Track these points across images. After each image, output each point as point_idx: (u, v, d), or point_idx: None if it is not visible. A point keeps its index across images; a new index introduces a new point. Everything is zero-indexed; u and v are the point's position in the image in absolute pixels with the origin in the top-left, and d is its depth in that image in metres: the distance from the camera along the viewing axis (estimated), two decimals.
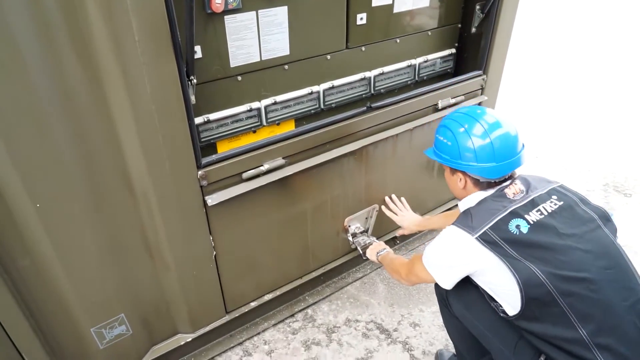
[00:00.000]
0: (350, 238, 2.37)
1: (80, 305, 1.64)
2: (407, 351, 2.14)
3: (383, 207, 2.36)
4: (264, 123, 1.89)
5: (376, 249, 2.14)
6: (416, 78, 2.33)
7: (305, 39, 1.84)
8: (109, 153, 1.45)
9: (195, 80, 1.51)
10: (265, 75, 1.81)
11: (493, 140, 1.46)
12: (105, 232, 1.57)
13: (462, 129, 1.51)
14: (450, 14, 2.32)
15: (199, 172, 1.63)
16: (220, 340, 2.15)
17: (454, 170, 1.58)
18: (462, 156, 1.51)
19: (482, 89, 2.46)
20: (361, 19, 1.97)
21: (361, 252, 2.30)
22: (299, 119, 2.01)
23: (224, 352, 2.14)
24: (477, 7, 2.27)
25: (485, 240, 1.37)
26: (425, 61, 2.33)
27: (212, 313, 2.04)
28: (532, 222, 1.38)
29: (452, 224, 1.48)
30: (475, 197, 1.54)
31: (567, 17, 8.15)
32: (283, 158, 1.84)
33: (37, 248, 1.45)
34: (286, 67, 1.85)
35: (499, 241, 1.36)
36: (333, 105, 2.07)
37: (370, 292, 2.46)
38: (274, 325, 2.27)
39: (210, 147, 1.81)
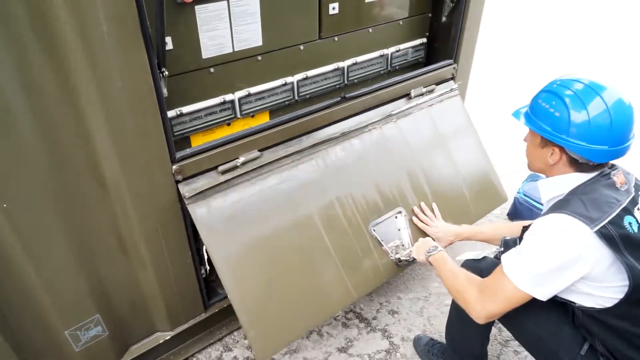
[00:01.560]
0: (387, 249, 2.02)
1: (53, 307, 1.59)
2: (387, 338, 2.17)
3: (414, 219, 2.08)
4: (238, 115, 1.86)
5: (425, 246, 1.80)
6: (389, 68, 2.35)
7: (278, 30, 1.82)
8: (79, 148, 1.39)
9: (167, 73, 1.47)
10: (238, 66, 1.78)
11: (614, 121, 1.25)
12: (77, 231, 1.52)
13: (578, 101, 1.28)
14: (421, 4, 2.34)
15: (174, 167, 1.59)
16: (199, 337, 2.12)
17: (546, 142, 1.36)
18: (569, 131, 1.29)
19: (454, 77, 2.50)
20: (333, 8, 1.96)
21: (399, 257, 1.99)
22: (274, 111, 2.00)
23: (203, 348, 2.12)
24: None
25: (603, 235, 1.19)
26: (397, 51, 2.34)
27: (191, 310, 2.01)
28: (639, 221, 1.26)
29: (560, 212, 1.25)
30: (570, 179, 1.35)
31: (536, 4, 8.35)
32: (259, 150, 1.82)
33: (5, 249, 1.39)
34: (259, 58, 1.82)
35: (616, 238, 1.20)
36: (307, 96, 2.06)
37: None
38: None
39: (184, 141, 1.77)
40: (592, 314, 1.35)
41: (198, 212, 1.66)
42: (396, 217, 2.08)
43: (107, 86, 1.32)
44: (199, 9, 1.56)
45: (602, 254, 1.22)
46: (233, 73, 1.78)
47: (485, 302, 1.35)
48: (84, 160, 1.42)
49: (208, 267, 1.98)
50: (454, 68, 2.46)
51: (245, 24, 1.71)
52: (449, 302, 2.32)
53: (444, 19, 2.37)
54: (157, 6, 1.29)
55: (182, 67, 1.63)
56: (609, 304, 1.29)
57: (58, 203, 1.43)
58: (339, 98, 2.04)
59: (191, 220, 1.76)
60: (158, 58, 1.41)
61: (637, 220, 1.26)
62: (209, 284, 2.11)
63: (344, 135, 2.05)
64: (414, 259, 1.92)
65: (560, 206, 1.29)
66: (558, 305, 1.45)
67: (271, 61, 1.87)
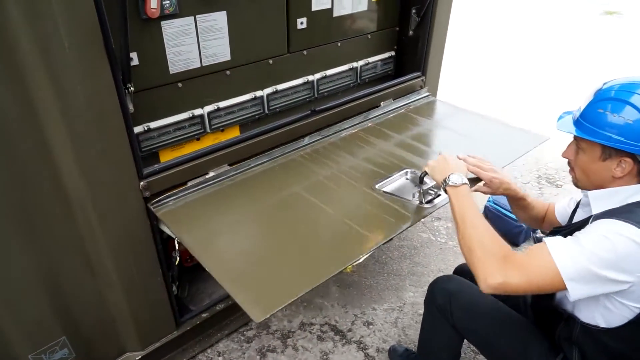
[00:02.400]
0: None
1: (15, 329, 1.53)
2: (362, 350, 2.17)
3: (468, 167, 1.57)
4: (208, 130, 1.85)
5: (446, 168, 1.49)
6: (358, 80, 2.38)
7: (247, 44, 1.83)
8: (40, 166, 1.36)
9: (132, 88, 1.46)
10: (206, 81, 1.77)
11: None
12: (40, 250, 1.47)
13: None
14: (388, 18, 2.38)
15: (141, 183, 1.57)
16: (171, 356, 2.07)
17: (610, 153, 1.23)
18: None
19: (422, 88, 2.55)
20: (301, 23, 1.98)
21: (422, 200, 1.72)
22: (244, 125, 1.99)
23: None
24: (413, 10, 2.35)
25: None
26: (367, 64, 2.38)
27: (162, 328, 1.97)
28: None
29: (612, 218, 1.17)
30: (634, 190, 1.23)
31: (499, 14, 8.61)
32: (229, 165, 1.81)
33: None
34: (228, 72, 1.82)
35: None
36: (277, 109, 2.06)
37: (323, 294, 2.47)
38: (228, 335, 2.23)
39: (152, 157, 1.75)
40: (593, 333, 1.28)
41: (164, 212, 1.63)
42: (407, 178, 1.91)
43: (68, 102, 1.30)
44: (165, 24, 1.56)
45: None
46: (202, 88, 1.77)
47: (508, 270, 1.19)
48: (46, 177, 1.39)
49: (179, 283, 1.95)
50: (422, 80, 2.51)
51: (213, 38, 1.71)
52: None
53: (411, 32, 2.42)
54: (121, 21, 1.27)
55: (149, 83, 1.62)
56: (616, 323, 1.23)
57: (19, 222, 1.39)
58: (309, 111, 2.06)
59: (161, 236, 1.74)
60: (123, 74, 1.40)
61: None
62: (181, 301, 2.07)
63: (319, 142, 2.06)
64: (439, 194, 1.69)
65: (626, 215, 1.16)
66: (528, 323, 1.48)
67: (240, 75, 1.87)
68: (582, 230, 1.21)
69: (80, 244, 1.56)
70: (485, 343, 1.54)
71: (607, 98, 1.24)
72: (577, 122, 1.30)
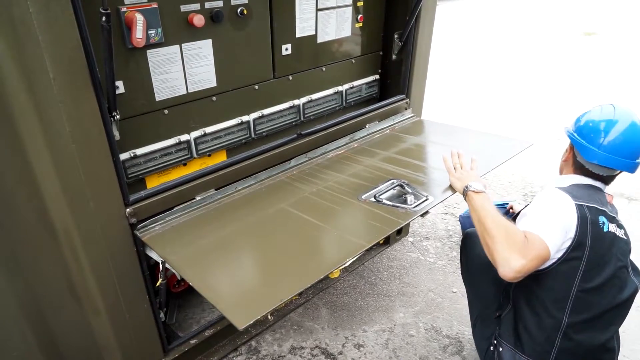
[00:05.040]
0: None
1: None
2: None
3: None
4: (195, 155, 1.87)
5: (468, 178, 1.75)
6: (344, 104, 2.42)
7: (232, 71, 1.86)
8: (25, 196, 1.36)
9: (118, 116, 1.47)
10: (193, 107, 1.80)
11: (611, 131, 1.57)
12: (23, 279, 1.46)
13: (596, 111, 1.67)
14: (372, 43, 2.44)
15: (127, 210, 1.57)
16: None
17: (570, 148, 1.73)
18: (576, 127, 1.68)
19: (407, 110, 2.59)
20: (286, 49, 2.03)
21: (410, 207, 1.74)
22: (231, 149, 2.01)
23: None
24: (396, 35, 2.41)
25: (580, 211, 1.51)
26: (351, 87, 2.42)
27: (150, 355, 1.94)
28: (609, 229, 1.56)
29: (554, 186, 1.62)
30: (570, 179, 1.68)
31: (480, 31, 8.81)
32: (216, 189, 1.82)
33: None
34: (214, 98, 1.85)
35: (588, 220, 1.51)
36: (264, 134, 2.09)
37: (313, 317, 2.46)
38: None
39: (139, 183, 1.75)
40: (529, 281, 1.58)
41: (150, 237, 1.62)
42: (395, 188, 1.92)
43: (54, 131, 1.31)
44: (150, 53, 1.59)
45: (572, 227, 1.50)
46: (188, 114, 1.79)
47: (527, 257, 1.43)
48: (31, 206, 1.39)
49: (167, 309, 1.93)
50: (407, 102, 2.56)
51: (199, 66, 1.74)
52: (414, 332, 2.35)
53: (394, 56, 2.48)
54: (106, 52, 1.30)
55: (135, 110, 1.63)
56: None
57: (1, 251, 1.38)
58: (296, 135, 2.08)
59: (148, 263, 1.73)
60: (109, 102, 1.42)
61: (608, 225, 1.56)
62: (169, 328, 2.05)
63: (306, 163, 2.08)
64: (426, 198, 1.79)
65: (554, 186, 1.63)
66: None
67: (226, 101, 1.90)
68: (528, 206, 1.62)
69: (65, 272, 1.55)
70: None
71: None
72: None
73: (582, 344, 1.58)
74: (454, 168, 1.87)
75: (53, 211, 1.43)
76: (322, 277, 1.38)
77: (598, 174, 1.64)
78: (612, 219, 1.60)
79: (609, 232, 1.56)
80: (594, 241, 1.52)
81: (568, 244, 1.52)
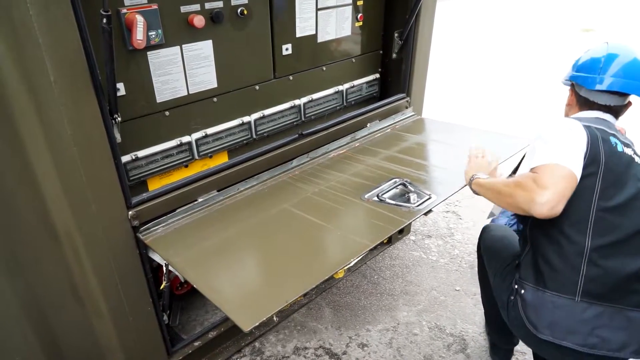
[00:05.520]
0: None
1: None
2: None
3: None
4: (196, 156, 1.86)
5: (479, 169, 1.77)
6: (344, 103, 2.41)
7: (233, 71, 1.86)
8: (26, 198, 1.36)
9: (119, 119, 1.47)
10: (194, 108, 1.79)
11: (606, 56, 1.56)
12: (26, 282, 1.46)
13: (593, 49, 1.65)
14: (372, 42, 2.43)
15: (130, 212, 1.57)
16: None
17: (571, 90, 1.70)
18: (579, 68, 1.64)
19: (407, 109, 2.59)
20: (287, 49, 2.02)
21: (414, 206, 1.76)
22: (232, 150, 2.00)
23: None
24: (396, 34, 2.40)
25: (589, 130, 1.46)
26: (352, 87, 2.42)
27: (153, 358, 1.93)
28: (624, 150, 1.48)
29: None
30: (576, 116, 1.61)
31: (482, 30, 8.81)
32: (218, 191, 1.81)
33: None
34: (215, 99, 1.84)
35: (598, 137, 1.45)
36: (265, 134, 2.08)
37: (316, 317, 2.45)
38: None
39: (141, 185, 1.75)
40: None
41: (153, 239, 1.61)
42: (397, 187, 1.92)
43: (55, 134, 1.31)
44: (151, 54, 1.58)
45: (583, 139, 1.44)
46: (189, 115, 1.79)
47: (544, 187, 1.39)
48: (32, 209, 1.38)
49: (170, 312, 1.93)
50: (407, 100, 2.55)
51: (199, 67, 1.73)
52: (418, 331, 2.34)
53: (394, 55, 2.47)
54: (107, 54, 1.29)
55: (136, 112, 1.63)
56: None
57: (3, 253, 1.37)
58: (297, 135, 2.08)
59: (151, 265, 1.73)
60: (110, 105, 1.41)
61: (622, 147, 1.48)
62: (172, 330, 2.04)
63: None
64: (429, 197, 1.81)
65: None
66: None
67: (227, 102, 1.89)
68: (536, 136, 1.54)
69: (68, 276, 1.54)
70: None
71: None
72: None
73: (611, 271, 1.43)
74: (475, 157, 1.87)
75: (54, 213, 1.42)
76: (326, 277, 1.38)
77: (606, 105, 1.58)
78: (627, 145, 1.52)
79: (624, 152, 1.48)
80: (608, 157, 1.45)
81: (582, 160, 1.44)
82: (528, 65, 7.16)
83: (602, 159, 1.44)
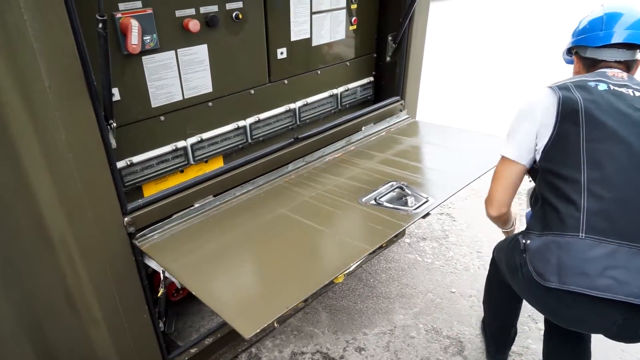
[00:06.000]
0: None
1: None
2: None
3: None
4: (192, 162, 1.85)
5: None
6: (339, 106, 2.41)
7: (228, 75, 1.85)
8: (20, 205, 1.34)
9: (115, 124, 1.45)
10: (189, 113, 1.78)
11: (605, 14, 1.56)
12: (19, 289, 1.43)
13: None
14: (366, 45, 2.44)
15: (125, 219, 1.55)
16: None
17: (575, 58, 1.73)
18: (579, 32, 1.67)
19: (402, 111, 2.60)
20: (282, 53, 2.02)
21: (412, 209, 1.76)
22: (228, 155, 1.99)
23: None
24: (389, 37, 2.41)
25: (560, 87, 1.50)
26: (346, 90, 2.42)
27: None
28: (611, 88, 1.47)
29: None
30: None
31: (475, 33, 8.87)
32: (214, 196, 1.80)
33: None
34: (210, 104, 1.83)
35: (571, 89, 1.48)
36: (261, 138, 2.07)
37: (313, 321, 2.44)
38: None
39: (136, 191, 1.73)
40: (540, 165, 1.58)
41: (149, 246, 1.60)
42: (395, 191, 1.91)
43: (49, 139, 1.28)
44: (146, 59, 1.57)
45: (548, 97, 1.51)
46: (184, 120, 1.77)
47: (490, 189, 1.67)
48: (27, 216, 1.36)
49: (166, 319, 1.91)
50: (402, 103, 2.56)
51: (194, 71, 1.72)
52: (414, 334, 2.34)
53: (388, 58, 2.48)
54: (102, 59, 1.28)
55: (131, 117, 1.61)
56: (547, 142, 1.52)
57: None
58: (292, 139, 2.07)
59: (146, 272, 1.71)
60: (105, 110, 1.39)
61: (608, 85, 1.47)
62: (168, 337, 2.02)
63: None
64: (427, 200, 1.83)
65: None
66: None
67: (222, 106, 1.88)
68: None
69: (63, 283, 1.52)
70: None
71: None
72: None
73: (615, 204, 1.36)
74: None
75: (49, 220, 1.40)
76: (326, 282, 1.37)
77: (616, 61, 1.56)
78: (622, 85, 1.48)
79: (609, 89, 1.46)
80: (586, 100, 1.44)
81: (552, 111, 1.49)
82: (523, 66, 7.22)
83: (580, 103, 1.45)
